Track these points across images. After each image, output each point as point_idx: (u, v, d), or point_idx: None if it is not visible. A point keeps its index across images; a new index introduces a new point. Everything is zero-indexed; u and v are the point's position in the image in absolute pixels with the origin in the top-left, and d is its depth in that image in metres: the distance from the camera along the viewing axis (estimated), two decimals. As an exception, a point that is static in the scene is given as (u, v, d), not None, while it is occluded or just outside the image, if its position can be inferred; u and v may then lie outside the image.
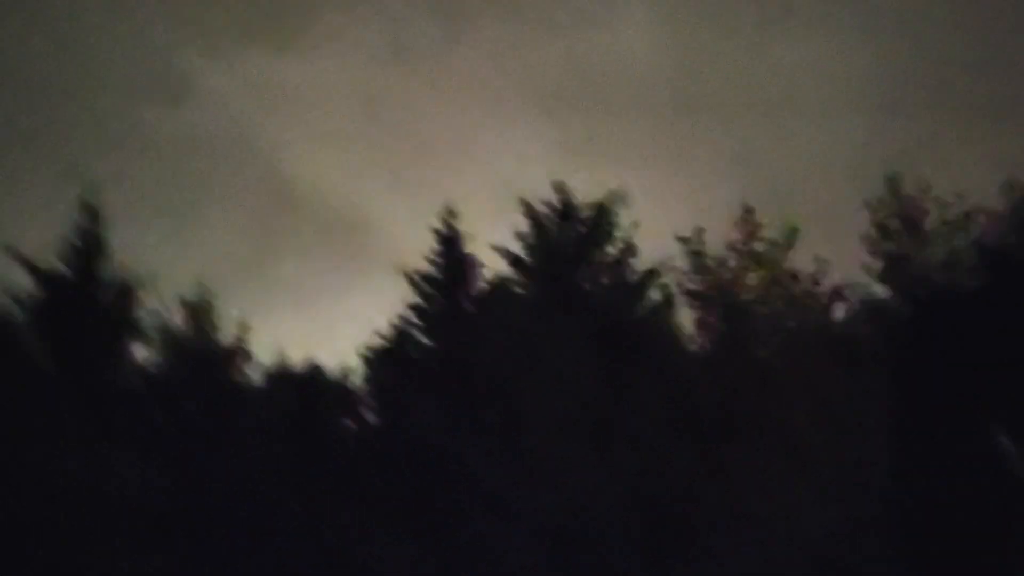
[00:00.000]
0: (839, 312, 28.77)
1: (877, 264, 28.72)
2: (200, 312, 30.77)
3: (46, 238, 28.72)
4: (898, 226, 28.54)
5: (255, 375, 30.77)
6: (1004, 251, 27.86)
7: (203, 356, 30.80)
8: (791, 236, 28.55)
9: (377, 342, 30.26)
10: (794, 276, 28.43)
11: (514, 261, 29.68)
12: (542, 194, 29.12)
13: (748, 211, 28.78)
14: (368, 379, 30.56)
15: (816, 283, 28.42)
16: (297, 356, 30.46)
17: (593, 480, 27.25)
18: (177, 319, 30.23)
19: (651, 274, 29.09)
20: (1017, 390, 26.28)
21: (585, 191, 29.14)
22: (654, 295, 29.17)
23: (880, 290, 28.80)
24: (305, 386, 30.73)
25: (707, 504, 27.17)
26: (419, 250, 29.79)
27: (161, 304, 30.13)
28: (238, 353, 31.03)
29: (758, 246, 28.62)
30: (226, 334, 30.84)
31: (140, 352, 30.20)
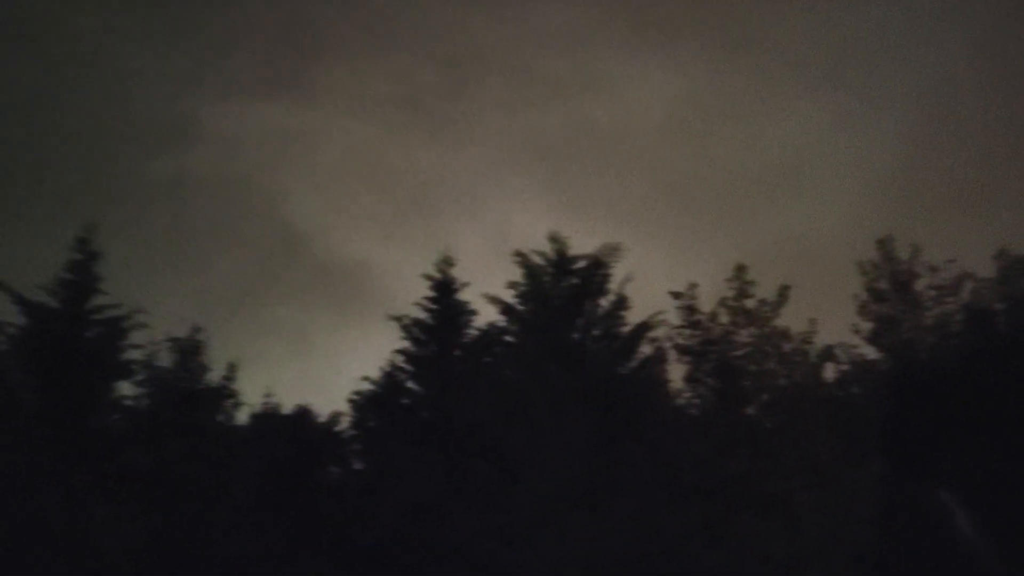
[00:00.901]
0: (828, 371, 28.85)
1: (867, 325, 28.92)
2: (189, 351, 30.55)
3: (46, 276, 28.46)
4: (889, 289, 28.77)
5: (242, 417, 30.56)
6: (992, 316, 28.12)
7: (189, 396, 30.50)
8: (783, 294, 28.73)
9: (366, 387, 30.15)
10: (785, 334, 28.53)
11: (506, 310, 29.66)
12: (538, 245, 29.26)
13: (741, 268, 28.98)
14: (356, 425, 30.34)
15: (806, 342, 28.53)
16: (289, 399, 30.29)
17: (580, 535, 27.00)
18: (166, 358, 30.04)
19: (643, 327, 29.11)
20: (1003, 451, 26.37)
21: (581, 244, 29.31)
22: (645, 349, 29.16)
23: (869, 351, 28.96)
24: (292, 430, 30.48)
25: (693, 561, 26.98)
26: (413, 297, 29.83)
27: (151, 342, 29.95)
28: (225, 394, 30.81)
29: (750, 303, 28.77)
30: (215, 374, 30.77)
31: (126, 389, 29.95)
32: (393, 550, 28.21)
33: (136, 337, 29.25)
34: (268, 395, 30.83)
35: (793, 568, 26.91)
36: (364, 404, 30.24)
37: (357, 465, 30.65)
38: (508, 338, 29.86)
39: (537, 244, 29.10)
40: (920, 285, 28.48)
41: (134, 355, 29.57)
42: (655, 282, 28.98)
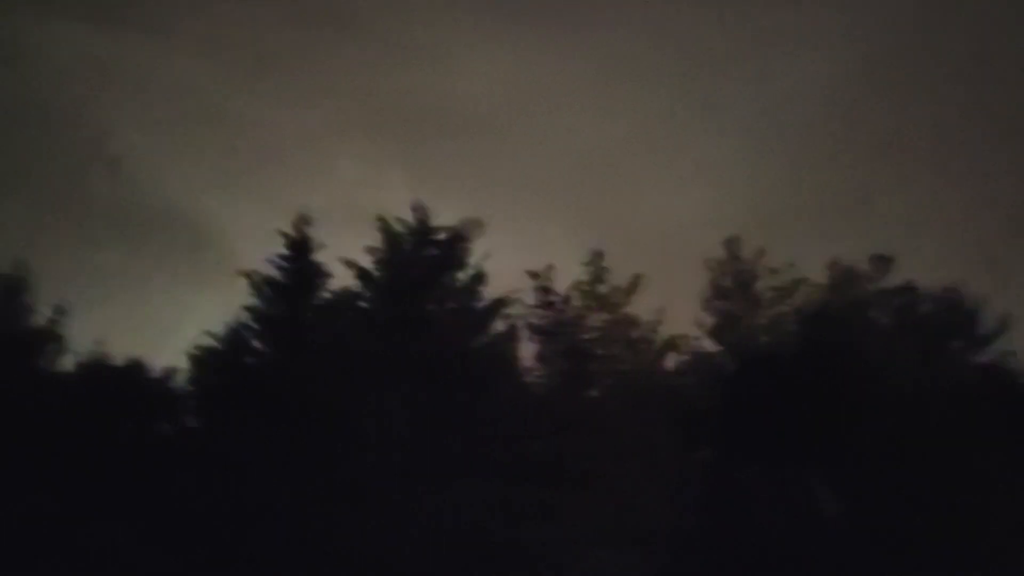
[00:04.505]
0: (670, 361, 30.04)
1: (709, 320, 30.26)
2: (11, 290, 28.58)
3: None
4: (732, 287, 30.21)
5: (68, 365, 28.83)
6: (821, 321, 29.99)
7: (7, 336, 28.56)
8: (634, 283, 29.71)
9: (207, 343, 28.95)
10: (633, 321, 29.52)
11: (362, 275, 29.22)
12: (390, 213, 28.95)
13: (597, 254, 29.77)
14: (194, 381, 29.08)
15: (652, 331, 29.62)
16: (121, 350, 28.75)
17: (418, 506, 27.01)
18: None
19: (498, 304, 29.32)
20: (825, 442, 28.15)
21: (442, 216, 29.20)
22: (499, 325, 29.39)
23: (709, 344, 30.31)
24: (121, 381, 28.89)
25: (524, 535, 27.50)
26: (260, 256, 28.90)
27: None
28: (49, 338, 29.01)
29: (603, 289, 29.59)
30: (39, 316, 28.95)
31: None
32: (223, 509, 27.36)
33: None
34: (99, 343, 29.17)
35: (619, 544, 27.95)
36: (204, 360, 29.04)
37: (191, 422, 29.42)
38: (362, 304, 29.43)
39: (388, 211, 28.85)
40: (760, 286, 30.02)
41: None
42: (516, 260, 29.31)
